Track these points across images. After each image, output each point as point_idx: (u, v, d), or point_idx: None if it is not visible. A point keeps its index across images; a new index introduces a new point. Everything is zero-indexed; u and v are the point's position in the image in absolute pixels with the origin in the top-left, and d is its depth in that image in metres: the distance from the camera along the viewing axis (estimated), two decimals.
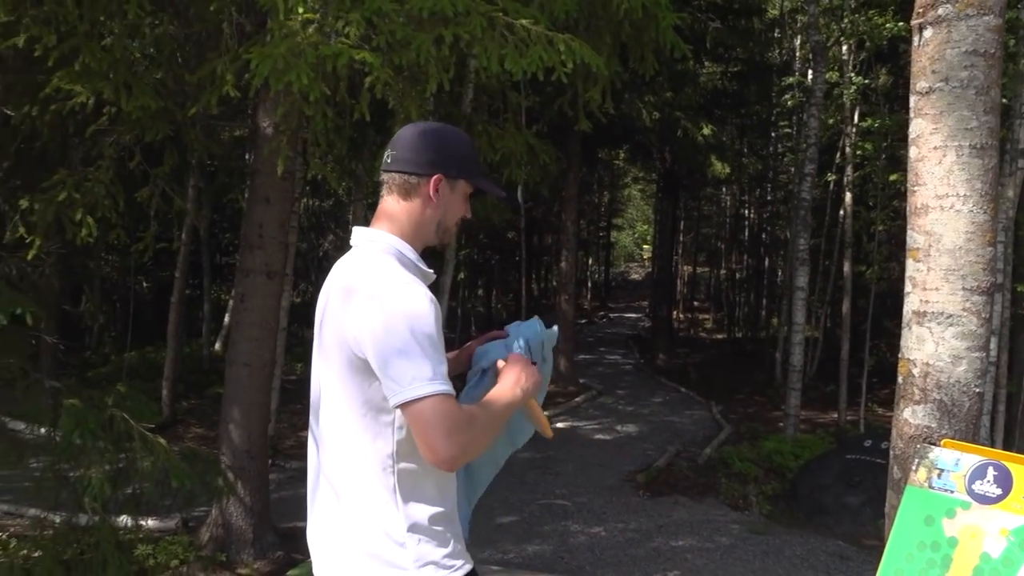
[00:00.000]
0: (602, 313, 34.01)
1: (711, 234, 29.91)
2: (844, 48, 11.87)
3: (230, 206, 13.85)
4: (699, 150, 13.59)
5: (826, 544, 6.77)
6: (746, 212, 24.65)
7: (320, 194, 15.80)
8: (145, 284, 18.38)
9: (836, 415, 12.16)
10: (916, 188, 2.05)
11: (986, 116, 1.94)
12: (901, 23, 10.95)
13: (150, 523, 6.10)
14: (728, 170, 14.92)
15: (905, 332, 2.11)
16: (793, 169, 16.97)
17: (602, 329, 28.25)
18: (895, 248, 14.91)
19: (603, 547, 6.41)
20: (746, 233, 24.47)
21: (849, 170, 12.49)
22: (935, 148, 1.98)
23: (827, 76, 10.20)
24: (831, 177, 13.09)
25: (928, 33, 1.98)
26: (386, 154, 1.73)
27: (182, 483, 4.52)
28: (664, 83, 12.45)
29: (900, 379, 2.11)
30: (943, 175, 1.97)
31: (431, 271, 1.76)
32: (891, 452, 2.15)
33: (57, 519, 4.31)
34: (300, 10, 3.67)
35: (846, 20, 10.75)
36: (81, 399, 4.46)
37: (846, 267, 12.22)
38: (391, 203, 1.71)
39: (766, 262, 23.76)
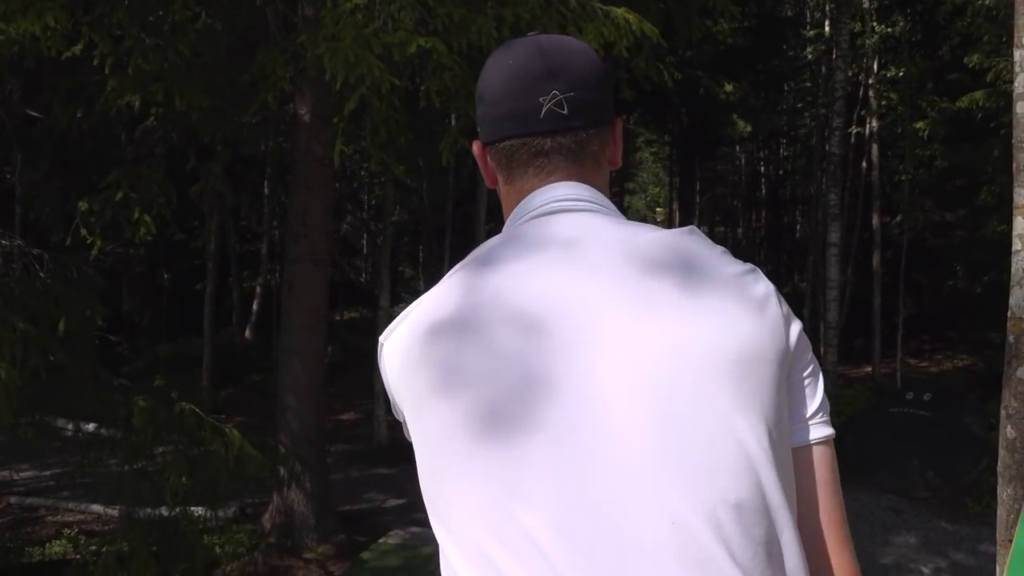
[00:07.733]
0: None
1: (726, 193, 29.69)
2: None
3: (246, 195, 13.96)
4: (721, 109, 13.40)
5: (878, 499, 6.82)
6: (762, 169, 24.50)
7: (340, 178, 15.78)
8: (165, 276, 18.51)
9: (870, 369, 12.16)
10: None
11: None
12: None
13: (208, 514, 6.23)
14: (750, 128, 14.72)
15: (1015, 291, 2.10)
16: (812, 123, 16.80)
17: None
18: (921, 197, 14.78)
19: None
20: (763, 190, 24.32)
21: (874, 121, 12.34)
22: None
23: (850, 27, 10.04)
24: (854, 129, 12.94)
25: None
26: (552, 94, 0.93)
27: (258, 471, 4.60)
28: (681, 41, 12.28)
29: (1011, 339, 2.12)
30: None
31: None
32: (1003, 411, 2.16)
33: (141, 514, 4.41)
34: None
35: None
36: (151, 395, 4.54)
37: (875, 219, 12.11)
38: (588, 165, 0.98)
39: (785, 219, 23.62)
